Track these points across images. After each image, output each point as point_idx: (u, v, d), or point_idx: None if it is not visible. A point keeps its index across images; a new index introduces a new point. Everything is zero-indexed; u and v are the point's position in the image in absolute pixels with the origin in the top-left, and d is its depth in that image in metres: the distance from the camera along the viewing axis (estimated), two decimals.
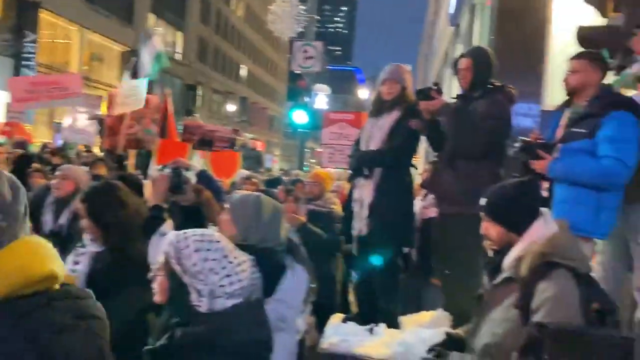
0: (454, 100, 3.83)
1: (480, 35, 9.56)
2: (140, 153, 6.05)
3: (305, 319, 2.67)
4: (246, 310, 1.91)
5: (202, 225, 2.68)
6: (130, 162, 5.84)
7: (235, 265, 1.92)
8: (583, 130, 3.04)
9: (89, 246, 2.72)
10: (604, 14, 5.19)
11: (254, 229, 2.34)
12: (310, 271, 2.53)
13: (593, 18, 5.42)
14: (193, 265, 1.88)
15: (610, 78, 3.58)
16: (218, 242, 1.94)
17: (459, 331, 2.31)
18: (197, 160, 6.47)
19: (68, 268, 2.51)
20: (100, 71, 25.34)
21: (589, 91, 3.15)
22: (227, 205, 2.50)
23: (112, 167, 5.60)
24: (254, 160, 10.51)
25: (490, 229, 2.14)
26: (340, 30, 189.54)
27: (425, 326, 3.56)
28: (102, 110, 8.03)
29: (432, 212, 4.30)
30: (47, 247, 1.37)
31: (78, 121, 8.59)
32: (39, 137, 14.76)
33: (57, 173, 4.22)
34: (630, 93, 3.46)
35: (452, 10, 14.26)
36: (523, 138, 3.19)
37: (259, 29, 47.89)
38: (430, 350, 2.15)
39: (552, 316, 1.83)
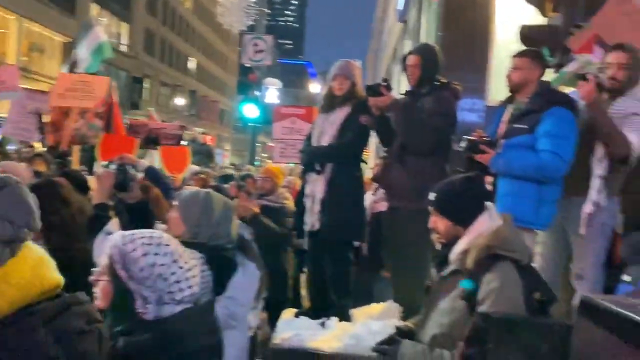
0: (403, 97, 3.90)
1: (428, 32, 9.74)
2: (84, 148, 5.85)
3: (257, 315, 2.67)
4: (196, 316, 1.81)
5: (150, 223, 2.62)
6: (74, 158, 5.65)
7: (186, 270, 1.81)
8: (524, 126, 3.16)
9: None
10: (544, 13, 5.39)
11: (204, 227, 2.30)
12: (262, 267, 2.53)
13: (534, 17, 5.61)
14: (140, 270, 1.75)
15: (549, 76, 3.72)
16: (167, 245, 1.81)
17: (408, 323, 2.36)
18: (152, 157, 6.35)
19: None
20: (41, 63, 24.30)
21: (530, 88, 3.27)
22: (175, 203, 2.46)
23: (52, 163, 5.39)
24: (204, 155, 10.35)
25: (438, 223, 2.19)
26: (291, 24, 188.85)
27: (376, 318, 3.62)
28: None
29: (383, 207, 4.37)
30: (45, 253, 1.48)
31: (19, 116, 8.20)
32: None
33: None
34: (568, 90, 3.62)
35: (400, 6, 14.45)
36: (467, 137, 3.28)
37: (209, 21, 47.06)
38: (377, 346, 2.18)
39: (497, 306, 1.89)
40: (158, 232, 1.92)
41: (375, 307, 3.93)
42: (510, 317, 1.81)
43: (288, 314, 3.88)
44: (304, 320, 3.68)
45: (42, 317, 1.33)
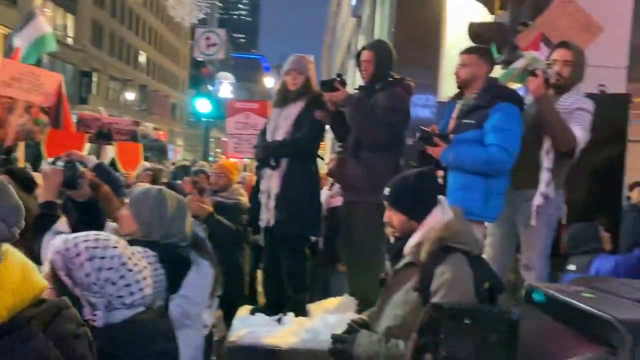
0: (356, 92, 3.93)
1: (381, 27, 9.84)
2: (29, 145, 5.63)
3: (212, 313, 2.64)
4: (149, 319, 1.74)
5: (100, 222, 2.55)
6: (20, 155, 5.43)
7: (136, 272, 1.73)
8: (472, 121, 3.24)
9: None
10: (491, 11, 5.53)
11: (156, 224, 2.25)
12: (216, 265, 2.50)
13: (483, 14, 5.76)
14: (86, 276, 1.66)
15: (497, 72, 3.83)
16: (115, 247, 1.73)
17: (363, 316, 2.39)
18: (108, 153, 6.19)
19: None
20: None
21: (477, 84, 3.35)
22: (127, 200, 2.40)
23: None
24: (157, 151, 10.13)
25: (392, 217, 2.23)
26: (244, 17, 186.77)
27: (332, 312, 3.65)
28: None
29: (338, 201, 4.40)
30: (24, 256, 1.45)
31: None
32: None
33: None
34: (515, 86, 3.73)
35: (354, 2, 14.54)
36: (423, 128, 3.34)
37: (159, 14, 45.97)
38: (335, 335, 2.20)
39: (449, 297, 1.94)
40: (104, 234, 1.84)
41: (331, 301, 3.96)
42: (460, 307, 1.86)
43: (244, 311, 3.86)
44: (260, 317, 3.66)
45: (39, 322, 1.30)
